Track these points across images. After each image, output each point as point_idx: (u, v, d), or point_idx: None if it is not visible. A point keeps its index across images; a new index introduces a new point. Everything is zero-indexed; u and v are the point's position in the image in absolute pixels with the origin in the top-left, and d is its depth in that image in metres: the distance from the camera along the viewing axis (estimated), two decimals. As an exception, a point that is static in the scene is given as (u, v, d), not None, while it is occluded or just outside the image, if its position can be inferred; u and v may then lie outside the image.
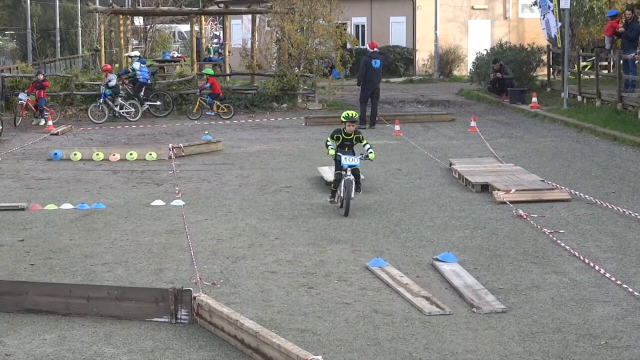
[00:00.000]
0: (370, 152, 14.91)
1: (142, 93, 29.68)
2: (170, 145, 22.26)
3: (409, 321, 9.67)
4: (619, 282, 10.74)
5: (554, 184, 16.79)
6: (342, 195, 14.45)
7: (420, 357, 8.61)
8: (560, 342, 8.92)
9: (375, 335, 9.24)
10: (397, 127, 25.45)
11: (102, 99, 28.93)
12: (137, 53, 33.98)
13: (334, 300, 10.45)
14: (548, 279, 11.12)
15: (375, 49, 28.35)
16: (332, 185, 15.08)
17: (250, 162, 20.81)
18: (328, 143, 14.92)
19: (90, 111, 28.70)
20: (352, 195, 14.31)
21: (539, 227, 13.74)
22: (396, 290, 10.71)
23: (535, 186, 16.52)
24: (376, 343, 9.03)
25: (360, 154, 14.85)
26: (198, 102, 29.77)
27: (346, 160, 14.43)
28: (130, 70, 30.44)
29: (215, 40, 48.67)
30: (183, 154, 21.63)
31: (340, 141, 14.81)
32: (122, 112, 28.66)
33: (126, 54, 35.98)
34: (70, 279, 11.38)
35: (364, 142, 15.10)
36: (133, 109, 28.81)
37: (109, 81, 29.08)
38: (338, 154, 14.59)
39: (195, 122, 28.84)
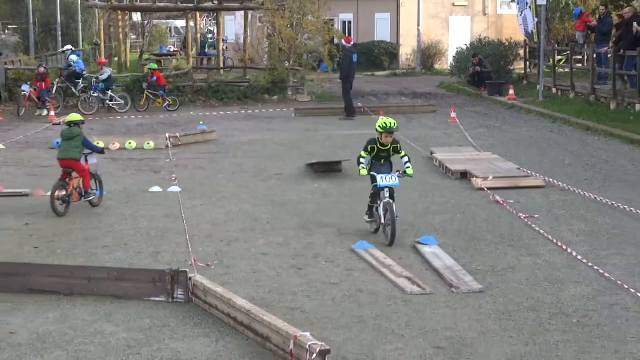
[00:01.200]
0: (408, 167, 12.22)
1: (80, 82, 29.48)
2: (167, 134, 22.25)
3: (392, 300, 9.74)
4: (590, 264, 10.81)
5: (529, 171, 16.84)
6: (383, 221, 11.90)
7: (402, 334, 8.68)
8: (534, 320, 8.99)
9: (360, 313, 9.31)
10: (381, 118, 25.40)
11: (92, 91, 28.86)
12: (69, 47, 33.74)
13: (322, 280, 10.51)
14: (523, 260, 11.19)
15: (352, 44, 28.52)
16: (370, 200, 12.40)
17: (243, 151, 20.82)
18: (361, 160, 12.20)
19: (81, 102, 28.59)
20: (397, 217, 11.79)
21: (514, 212, 13.80)
22: (380, 271, 10.77)
23: (511, 174, 16.60)
24: (361, 320, 9.09)
25: (397, 171, 12.18)
26: (145, 95, 29.54)
27: (382, 180, 11.82)
28: (71, 63, 30.20)
29: (210, 36, 48.41)
30: (179, 143, 21.62)
31: (375, 152, 12.16)
32: (112, 104, 28.55)
33: (60, 49, 35.64)
34: (72, 261, 11.41)
35: (402, 153, 12.38)
36: (122, 101, 28.69)
37: (102, 74, 29.02)
38: (372, 173, 12.02)
39: (144, 113, 28.78)
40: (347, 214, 14.05)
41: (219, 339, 8.59)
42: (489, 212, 14.00)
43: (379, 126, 12.07)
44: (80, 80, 29.51)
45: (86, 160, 14.56)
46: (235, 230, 13.05)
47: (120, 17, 38.33)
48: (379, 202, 11.97)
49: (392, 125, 11.97)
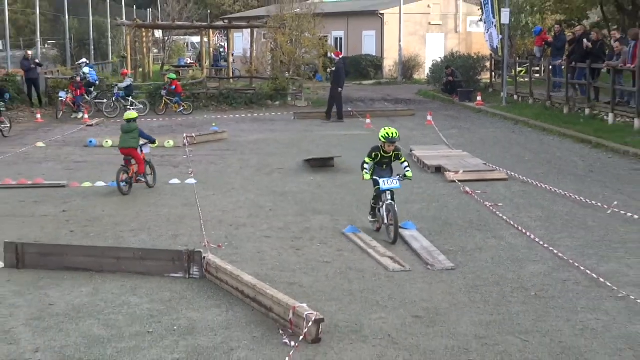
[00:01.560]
0: (408, 171, 11.60)
1: (92, 91, 29.35)
2: (184, 134, 22.26)
3: (377, 276, 9.77)
4: (546, 245, 10.85)
5: (494, 166, 16.86)
6: (386, 221, 11.37)
7: (386, 305, 8.71)
8: (498, 293, 9.03)
9: (350, 288, 9.33)
10: (368, 121, 25.43)
11: (114, 97, 28.80)
12: (84, 60, 33.63)
13: (317, 259, 10.53)
14: (488, 242, 11.22)
15: (341, 57, 28.60)
16: (372, 202, 11.82)
17: (249, 149, 20.81)
18: (365, 165, 11.59)
19: (105, 107, 28.59)
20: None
21: (481, 201, 13.83)
22: (366, 252, 10.80)
23: (479, 168, 16.62)
24: (350, 294, 9.11)
25: (398, 174, 11.58)
26: (164, 101, 29.46)
27: (385, 183, 11.27)
28: (82, 74, 30.09)
29: (221, 50, 48.33)
30: (195, 142, 21.60)
31: (378, 159, 11.56)
32: (132, 109, 28.42)
33: (77, 62, 35.48)
34: (102, 242, 11.42)
35: (402, 159, 11.73)
36: (141, 106, 28.58)
37: (123, 83, 28.99)
38: (375, 178, 11.46)
39: (161, 117, 28.52)
40: (339, 203, 14.07)
41: (229, 310, 8.61)
42: (460, 201, 14.03)
43: (382, 136, 11.41)
44: (92, 89, 29.43)
45: (141, 150, 15.26)
46: (243, 217, 13.07)
47: (144, 34, 38.19)
48: (381, 203, 11.43)
49: (394, 135, 11.36)
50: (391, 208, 11.17)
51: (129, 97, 28.67)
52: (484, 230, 11.93)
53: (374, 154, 11.56)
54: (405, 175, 11.53)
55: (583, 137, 20.84)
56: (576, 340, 7.64)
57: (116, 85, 29.40)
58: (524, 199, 14.07)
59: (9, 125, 23.63)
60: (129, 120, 15.49)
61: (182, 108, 29.18)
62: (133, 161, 15.06)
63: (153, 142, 15.92)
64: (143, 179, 15.31)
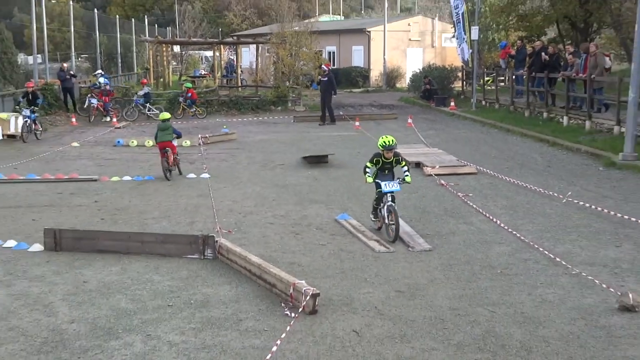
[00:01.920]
0: (407, 175, 10.84)
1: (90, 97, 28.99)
2: (199, 135, 22.23)
3: (365, 257, 9.77)
4: (510, 230, 10.87)
5: (465, 162, 16.87)
6: (387, 221, 10.60)
7: (372, 281, 8.72)
8: (469, 271, 9.04)
9: (342, 266, 9.33)
10: (357, 123, 25.45)
11: (134, 103, 28.74)
12: (100, 71, 33.44)
13: (313, 242, 10.53)
14: (461, 227, 11.23)
15: (329, 68, 28.66)
16: (374, 203, 11.08)
17: (255, 148, 20.79)
18: (367, 170, 11.01)
19: (125, 112, 28.51)
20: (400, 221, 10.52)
21: (454, 192, 13.84)
22: (356, 236, 10.81)
23: (452, 164, 16.64)
24: (342, 272, 9.12)
25: (398, 178, 10.84)
26: (181, 107, 29.37)
27: (386, 186, 10.57)
28: (97, 84, 29.96)
29: (231, 63, 48.34)
30: (208, 142, 21.59)
31: (380, 165, 10.84)
32: (149, 113, 28.31)
33: (93, 74, 35.20)
34: (129, 228, 11.40)
35: (403, 163, 10.99)
36: (158, 111, 28.38)
37: (142, 91, 28.95)
38: (377, 180, 10.78)
39: (179, 120, 28.08)
40: (332, 193, 14.06)
41: (238, 286, 8.62)
42: (436, 192, 14.04)
43: (380, 144, 10.76)
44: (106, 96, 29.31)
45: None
46: (250, 206, 13.06)
47: (164, 48, 38.17)
48: (382, 204, 10.71)
49: (391, 143, 10.67)
50: (392, 209, 10.47)
51: (147, 103, 28.58)
52: (456, 217, 11.94)
53: (375, 159, 10.86)
54: (404, 179, 10.77)
55: (541, 136, 20.87)
56: (536, 311, 7.66)
57: (136, 93, 29.42)
58: (491, 190, 14.09)
59: (40, 129, 23.54)
60: (164, 120, 16.35)
61: (197, 112, 29.12)
62: (169, 152, 15.91)
63: (179, 136, 16.68)
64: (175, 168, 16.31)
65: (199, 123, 27.64)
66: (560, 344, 6.83)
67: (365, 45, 48.11)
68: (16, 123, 23.00)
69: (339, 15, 78.94)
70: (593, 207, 11.96)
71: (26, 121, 22.51)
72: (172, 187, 14.98)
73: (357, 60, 48.64)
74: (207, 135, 22.33)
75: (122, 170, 17.00)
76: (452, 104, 30.47)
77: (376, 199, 10.98)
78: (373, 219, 11.17)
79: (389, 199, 10.56)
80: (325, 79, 27.31)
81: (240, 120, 28.47)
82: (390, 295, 8.20)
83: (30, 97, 22.87)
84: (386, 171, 10.83)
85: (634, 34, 16.40)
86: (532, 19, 32.97)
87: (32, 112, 22.69)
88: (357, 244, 10.43)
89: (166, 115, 16.98)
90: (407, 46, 48.71)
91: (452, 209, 12.55)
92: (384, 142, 10.70)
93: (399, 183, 10.70)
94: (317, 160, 17.62)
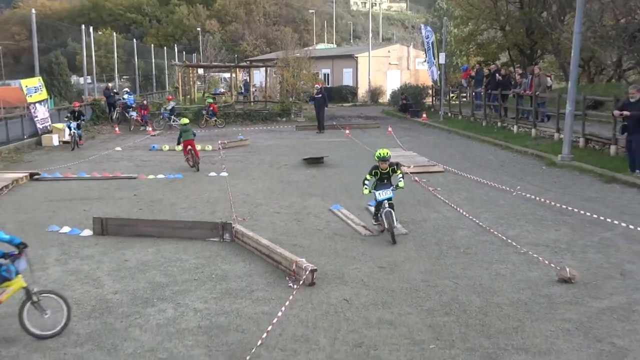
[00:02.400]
0: (400, 181, 9.87)
1: (130, 110, 28.80)
2: (219, 141, 22.17)
3: (354, 239, 9.75)
4: (470, 217, 10.84)
5: (434, 162, 16.86)
6: (386, 226, 9.68)
7: (360, 259, 8.70)
8: (437, 251, 9.03)
9: (335, 247, 9.32)
10: (347, 131, 25.41)
11: (161, 116, 28.47)
12: (126, 89, 33.14)
13: (312, 228, 10.50)
14: (431, 215, 11.21)
15: (321, 87, 28.49)
16: (375, 209, 10.15)
17: (264, 151, 20.72)
18: (365, 181, 9.98)
19: (154, 122, 28.17)
20: (395, 225, 9.64)
21: (426, 186, 13.83)
22: (347, 222, 10.77)
23: (424, 164, 16.59)
24: (335, 251, 9.10)
25: (392, 185, 9.94)
26: (204, 118, 29.21)
27: (380, 195, 9.71)
28: (122, 99, 29.87)
29: (245, 82, 48.13)
30: (227, 147, 21.52)
31: (378, 175, 9.92)
32: (174, 124, 27.79)
33: (122, 91, 34.71)
34: (162, 216, 11.34)
35: (398, 172, 10.12)
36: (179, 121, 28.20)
37: (168, 106, 28.70)
38: (372, 191, 9.87)
39: (203, 129, 27.86)
40: (327, 188, 14.02)
41: (250, 263, 8.60)
42: (411, 187, 13.95)
43: (376, 156, 9.85)
44: (130, 109, 28.99)
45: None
46: (260, 198, 13.02)
47: (190, 71, 37.98)
48: (381, 210, 9.75)
49: (386, 154, 9.79)
50: (388, 216, 9.56)
51: (172, 115, 28.32)
52: (427, 207, 11.92)
53: (373, 171, 9.93)
54: (397, 185, 9.84)
55: (496, 142, 20.83)
56: (491, 282, 7.66)
57: (163, 106, 29.31)
58: (455, 185, 14.06)
59: (83, 143, 22.55)
60: (184, 124, 17.40)
61: (217, 123, 29.01)
62: (190, 149, 16.74)
63: (195, 135, 17.35)
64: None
65: (219, 131, 27.55)
66: (511, 309, 6.84)
67: (354, 68, 48.08)
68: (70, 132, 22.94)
69: (332, 43, 78.79)
70: (537, 198, 11.96)
71: (73, 134, 21.91)
72: (196, 183, 14.94)
73: (347, 80, 48.61)
74: (225, 141, 22.25)
75: (157, 169, 16.94)
76: (424, 115, 30.40)
77: (376, 206, 10.08)
78: (374, 223, 10.17)
79: (386, 205, 9.67)
80: (319, 95, 27.23)
81: (252, 129, 28.37)
82: (374, 270, 8.20)
83: (77, 115, 22.35)
84: (384, 180, 9.93)
85: (571, 59, 16.41)
86: (488, 47, 32.97)
87: (78, 127, 22.23)
88: (347, 229, 10.40)
89: (185, 120, 17.96)
90: (388, 69, 48.66)
91: (424, 200, 12.53)
92: (379, 154, 9.85)
93: (392, 190, 9.81)
94: (315, 161, 17.58)
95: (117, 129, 27.49)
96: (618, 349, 5.86)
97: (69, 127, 22.13)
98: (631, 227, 9.45)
